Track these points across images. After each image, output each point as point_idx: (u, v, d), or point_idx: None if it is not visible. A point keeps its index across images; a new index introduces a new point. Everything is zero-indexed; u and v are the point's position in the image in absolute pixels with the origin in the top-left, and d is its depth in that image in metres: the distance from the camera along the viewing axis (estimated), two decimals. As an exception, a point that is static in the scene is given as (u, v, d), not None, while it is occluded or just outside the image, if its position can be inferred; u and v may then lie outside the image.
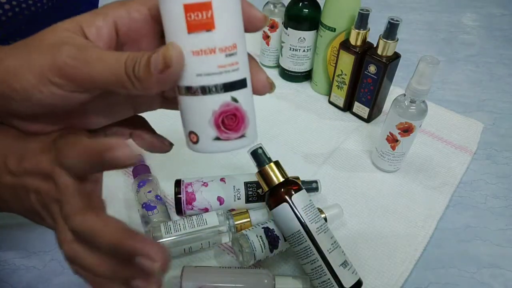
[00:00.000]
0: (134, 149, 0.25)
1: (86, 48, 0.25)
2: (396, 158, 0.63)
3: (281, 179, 0.48)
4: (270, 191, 0.48)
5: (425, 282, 0.53)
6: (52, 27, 0.27)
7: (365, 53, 0.67)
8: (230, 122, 0.27)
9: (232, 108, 0.27)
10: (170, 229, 0.51)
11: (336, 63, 0.73)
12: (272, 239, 0.50)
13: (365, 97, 0.72)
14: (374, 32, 0.68)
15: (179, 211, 0.55)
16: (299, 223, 0.46)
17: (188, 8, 0.25)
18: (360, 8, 0.66)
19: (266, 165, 0.48)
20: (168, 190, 0.60)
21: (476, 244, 0.58)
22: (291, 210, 0.46)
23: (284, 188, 0.47)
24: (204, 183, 0.56)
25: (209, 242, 0.52)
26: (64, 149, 0.27)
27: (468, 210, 0.62)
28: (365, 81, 0.70)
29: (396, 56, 0.66)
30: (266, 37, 0.82)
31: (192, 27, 0.25)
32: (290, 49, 0.78)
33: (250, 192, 0.55)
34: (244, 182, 0.56)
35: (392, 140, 0.61)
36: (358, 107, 0.74)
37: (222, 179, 0.56)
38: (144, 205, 0.54)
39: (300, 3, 0.73)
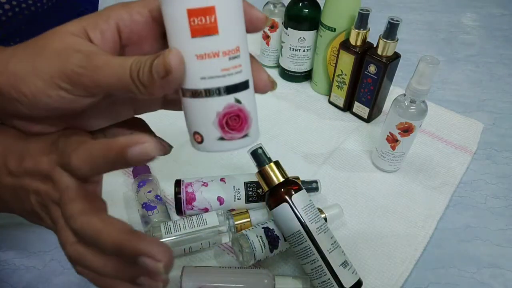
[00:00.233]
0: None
1: (93, 54, 0.26)
2: (396, 158, 0.63)
3: (281, 179, 0.48)
4: (270, 191, 0.48)
5: (425, 282, 0.53)
6: (57, 30, 0.27)
7: (365, 53, 0.67)
8: (234, 122, 0.27)
9: (235, 109, 0.27)
10: (170, 229, 0.51)
11: (336, 63, 0.73)
12: (272, 239, 0.50)
13: (365, 97, 0.72)
14: (374, 32, 0.68)
15: (179, 211, 0.55)
16: (299, 223, 0.46)
17: (191, 13, 0.24)
18: (360, 8, 0.66)
19: (266, 165, 0.48)
20: (168, 190, 0.60)
21: (476, 244, 0.58)
22: (291, 210, 0.46)
23: (284, 188, 0.47)
24: (204, 183, 0.56)
25: (209, 242, 0.52)
26: (68, 149, 0.27)
27: (468, 210, 0.62)
28: (365, 81, 0.70)
29: (396, 56, 0.66)
30: (266, 37, 0.82)
31: (196, 32, 0.25)
32: (290, 49, 0.78)
33: (250, 192, 0.55)
34: (244, 182, 0.56)
35: (392, 140, 0.61)
36: (358, 107, 0.74)
37: (222, 179, 0.56)
38: (144, 205, 0.54)
39: (300, 3, 0.73)
